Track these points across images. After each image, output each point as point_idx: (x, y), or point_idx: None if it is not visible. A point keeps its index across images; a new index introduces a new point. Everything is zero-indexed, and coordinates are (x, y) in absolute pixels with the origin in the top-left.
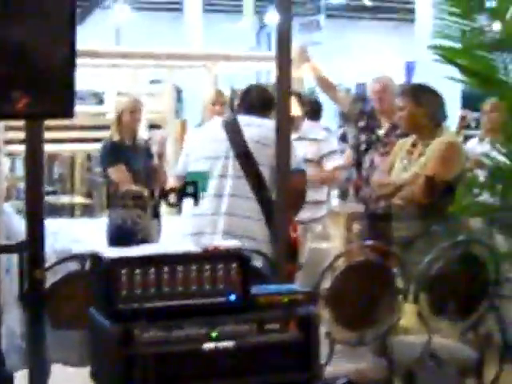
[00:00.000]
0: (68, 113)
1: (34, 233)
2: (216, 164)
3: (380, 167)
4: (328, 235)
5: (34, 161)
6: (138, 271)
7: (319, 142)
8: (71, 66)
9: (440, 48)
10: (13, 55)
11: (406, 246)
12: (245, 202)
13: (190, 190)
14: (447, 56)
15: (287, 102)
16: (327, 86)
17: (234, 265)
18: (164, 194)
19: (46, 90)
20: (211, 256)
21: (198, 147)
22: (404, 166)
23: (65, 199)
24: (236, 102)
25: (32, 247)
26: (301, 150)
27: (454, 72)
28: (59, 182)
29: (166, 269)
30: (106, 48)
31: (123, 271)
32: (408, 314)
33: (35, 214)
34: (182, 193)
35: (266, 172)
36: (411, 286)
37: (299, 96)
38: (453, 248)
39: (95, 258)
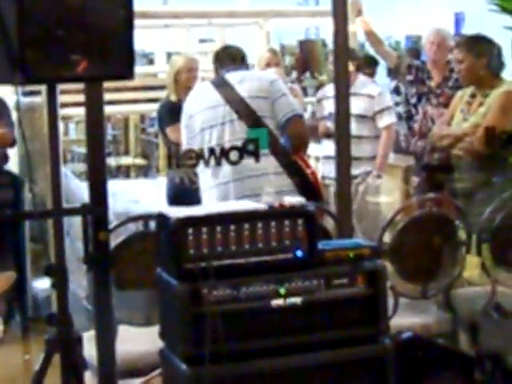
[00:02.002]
0: (128, 74)
1: (97, 195)
2: (222, 130)
3: (440, 119)
4: (380, 189)
5: (95, 124)
6: (204, 230)
7: (373, 98)
8: (129, 27)
9: None
10: (71, 18)
11: (466, 197)
12: (262, 160)
13: (250, 147)
14: (502, 5)
15: (344, 57)
16: (375, 40)
17: (299, 221)
18: (225, 152)
19: (105, 52)
20: (277, 213)
21: (196, 117)
22: (464, 116)
23: (120, 160)
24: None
25: (96, 209)
26: (354, 106)
27: (506, 22)
28: (113, 143)
29: (232, 227)
30: (155, 8)
31: (190, 230)
32: (471, 266)
33: (98, 177)
34: (243, 150)
35: (271, 124)
36: (473, 237)
37: (350, 51)
38: None
39: (161, 217)
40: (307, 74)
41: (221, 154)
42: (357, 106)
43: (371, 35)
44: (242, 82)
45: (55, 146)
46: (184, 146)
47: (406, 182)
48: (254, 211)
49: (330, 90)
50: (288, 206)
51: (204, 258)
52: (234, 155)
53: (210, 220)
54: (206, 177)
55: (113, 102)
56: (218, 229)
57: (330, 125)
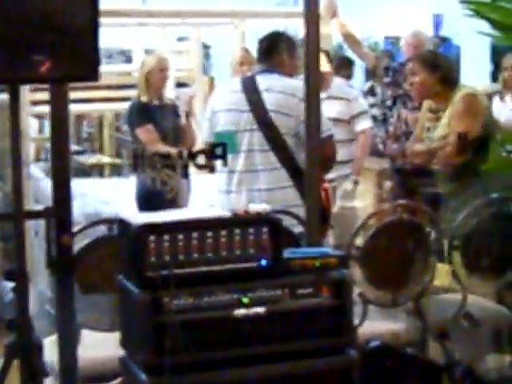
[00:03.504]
0: (92, 76)
1: (60, 197)
2: (241, 137)
3: (412, 135)
4: (356, 193)
5: (60, 125)
6: (166, 237)
7: (349, 102)
8: (94, 27)
9: (469, 2)
10: (34, 18)
11: (438, 203)
12: (273, 173)
13: (218, 151)
14: (477, 9)
15: (316, 60)
16: (353, 42)
17: (264, 229)
18: (192, 156)
19: (69, 52)
20: (241, 220)
21: (220, 115)
22: (430, 134)
23: (94, 159)
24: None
25: (59, 212)
26: (330, 109)
27: (483, 26)
28: (88, 141)
29: (195, 234)
30: (131, 7)
31: (151, 237)
32: (442, 274)
33: (62, 179)
34: (210, 154)
35: (289, 141)
36: (445, 244)
37: (327, 53)
38: (487, 206)
39: (123, 223)
40: None
41: (188, 157)
42: (332, 109)
43: (348, 37)
44: (270, 92)
45: (17, 148)
46: (205, 139)
47: (380, 185)
48: (218, 218)
49: None
50: (253, 213)
51: (165, 266)
52: (201, 159)
53: (172, 227)
54: (221, 180)
55: (88, 100)
56: (181, 236)
57: None
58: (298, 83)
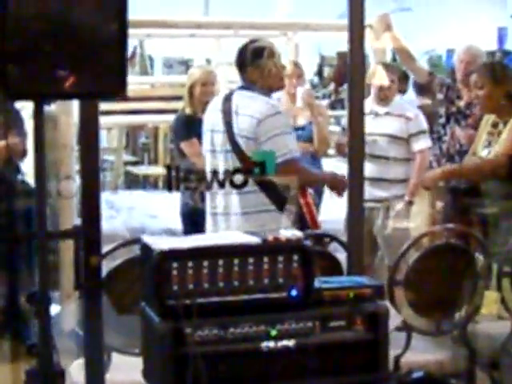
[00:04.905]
0: (119, 91)
1: (89, 217)
2: (218, 158)
3: (470, 149)
4: (410, 214)
5: (89, 141)
6: (190, 264)
7: (409, 120)
8: (122, 40)
9: None
10: (57, 31)
11: (492, 223)
12: (247, 197)
13: (256, 170)
14: None
15: (361, 74)
16: (406, 56)
17: (295, 257)
18: (229, 175)
19: (95, 67)
20: (271, 247)
21: (205, 135)
22: (489, 141)
23: (147, 170)
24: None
25: (88, 232)
26: (387, 126)
27: None
28: (144, 152)
29: (221, 262)
30: (182, 18)
31: (174, 264)
32: (490, 301)
33: (91, 197)
34: (248, 173)
35: None
36: (494, 270)
37: (387, 66)
38: None
39: (145, 248)
40: (345, 86)
41: (224, 177)
42: (391, 126)
43: (402, 51)
44: (237, 115)
45: (41, 164)
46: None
47: (433, 205)
48: (246, 245)
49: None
50: (283, 239)
51: (189, 295)
52: (238, 179)
53: (197, 253)
54: (207, 201)
55: (144, 112)
56: (206, 263)
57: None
58: (258, 104)
